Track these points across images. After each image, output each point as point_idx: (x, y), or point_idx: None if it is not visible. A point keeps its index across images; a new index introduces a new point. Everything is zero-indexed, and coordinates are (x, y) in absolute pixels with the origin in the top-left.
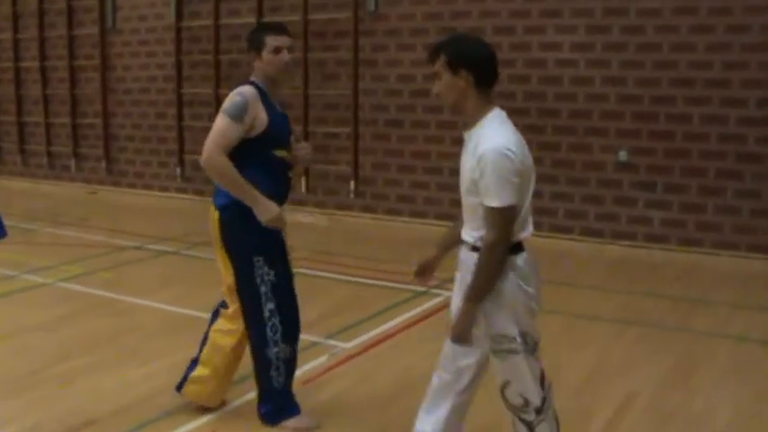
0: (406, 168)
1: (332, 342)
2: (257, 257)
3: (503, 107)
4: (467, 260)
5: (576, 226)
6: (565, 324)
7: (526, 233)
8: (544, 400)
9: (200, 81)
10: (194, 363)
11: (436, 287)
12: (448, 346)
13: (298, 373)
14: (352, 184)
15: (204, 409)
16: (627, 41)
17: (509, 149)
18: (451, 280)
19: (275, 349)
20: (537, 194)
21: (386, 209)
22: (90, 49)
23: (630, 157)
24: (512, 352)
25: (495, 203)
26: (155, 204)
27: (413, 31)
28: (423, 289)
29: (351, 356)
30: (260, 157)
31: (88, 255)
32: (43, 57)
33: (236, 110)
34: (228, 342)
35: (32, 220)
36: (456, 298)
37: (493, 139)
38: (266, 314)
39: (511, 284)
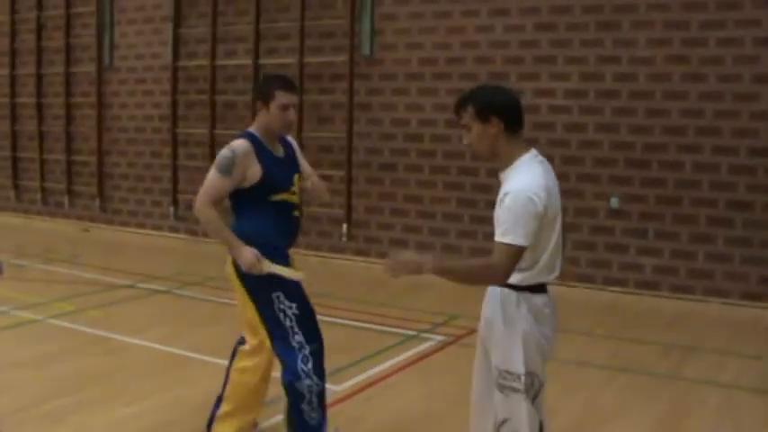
0: (399, 212)
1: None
2: (276, 293)
3: None
4: (496, 298)
5: (568, 272)
6: (554, 369)
7: (551, 276)
8: None
9: (196, 121)
10: (219, 401)
11: (427, 331)
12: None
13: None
14: (344, 227)
15: None
16: (620, 89)
17: (534, 193)
18: (444, 324)
19: (308, 381)
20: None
21: (378, 252)
22: (87, 87)
23: (623, 204)
24: (514, 390)
25: (506, 239)
26: (147, 243)
27: (408, 75)
28: (413, 333)
29: (342, 399)
30: (258, 204)
31: (79, 292)
32: (40, 93)
33: (225, 165)
34: (250, 378)
35: (24, 256)
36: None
37: (520, 180)
38: (296, 346)
39: (526, 323)
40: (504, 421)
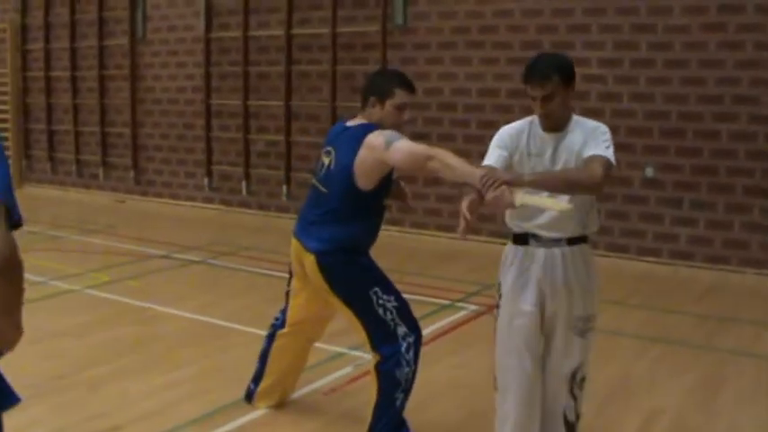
0: (432, 182)
1: (356, 353)
2: (374, 289)
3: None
4: (572, 254)
5: (601, 241)
6: None
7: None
8: None
9: (229, 92)
10: (257, 377)
11: (461, 301)
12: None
13: (321, 382)
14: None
15: (232, 415)
16: (655, 58)
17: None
18: (477, 293)
19: (407, 369)
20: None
21: (412, 222)
22: (120, 60)
23: (657, 174)
24: (593, 330)
25: (607, 153)
26: (182, 214)
27: (441, 44)
28: (447, 302)
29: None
30: (374, 206)
31: (115, 263)
32: (74, 66)
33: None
34: (290, 357)
35: (61, 228)
36: (559, 301)
37: (594, 122)
38: (401, 335)
39: (595, 268)
40: (581, 364)
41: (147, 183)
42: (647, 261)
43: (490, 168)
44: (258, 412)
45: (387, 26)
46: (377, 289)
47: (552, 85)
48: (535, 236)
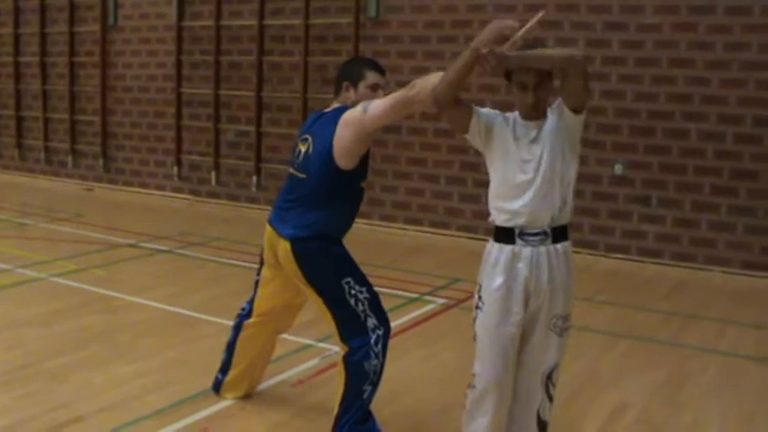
0: (402, 175)
1: (324, 345)
2: (346, 279)
3: None
4: (556, 252)
5: (570, 238)
6: None
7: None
8: None
9: (200, 81)
10: (225, 368)
11: (428, 294)
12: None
13: (289, 373)
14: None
15: (198, 406)
16: (626, 56)
17: None
18: (445, 287)
19: (375, 362)
20: None
21: (380, 215)
22: (91, 46)
23: (626, 171)
24: (569, 329)
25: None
26: (151, 203)
27: (414, 38)
28: (415, 296)
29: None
30: (350, 190)
31: (82, 251)
32: (44, 52)
33: None
34: (257, 347)
35: (28, 216)
36: (542, 299)
37: None
38: (370, 327)
39: (574, 266)
40: (556, 366)
41: (116, 171)
42: (616, 258)
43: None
44: (224, 403)
45: (359, 18)
46: (349, 279)
47: (541, 73)
48: (521, 233)
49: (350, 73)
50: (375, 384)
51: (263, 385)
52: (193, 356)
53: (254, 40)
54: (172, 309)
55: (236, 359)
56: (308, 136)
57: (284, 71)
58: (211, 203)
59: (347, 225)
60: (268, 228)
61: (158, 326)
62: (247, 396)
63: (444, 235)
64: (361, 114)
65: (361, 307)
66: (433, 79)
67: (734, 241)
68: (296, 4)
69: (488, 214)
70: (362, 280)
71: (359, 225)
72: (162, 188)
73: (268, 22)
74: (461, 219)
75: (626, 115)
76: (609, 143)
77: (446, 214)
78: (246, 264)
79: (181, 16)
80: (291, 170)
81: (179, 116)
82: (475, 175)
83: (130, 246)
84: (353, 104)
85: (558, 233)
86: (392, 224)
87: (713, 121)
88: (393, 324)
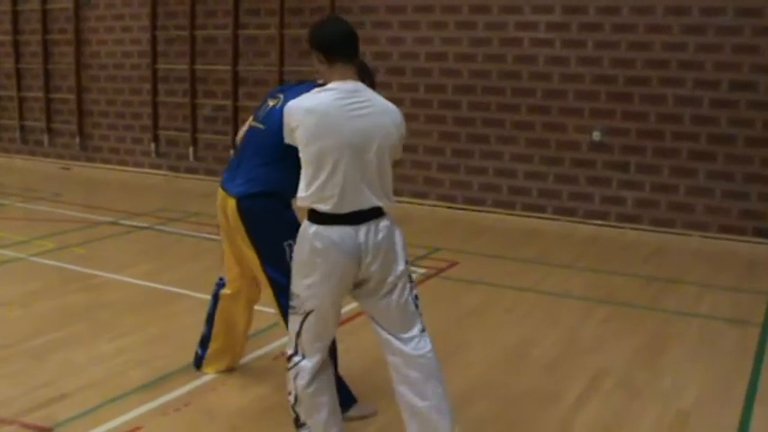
0: None
1: None
2: (288, 242)
3: (478, 86)
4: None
5: (549, 205)
6: (536, 301)
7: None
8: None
9: (176, 57)
10: (205, 341)
11: (413, 263)
12: None
13: (267, 349)
14: None
15: (180, 381)
16: (602, 22)
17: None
18: (425, 257)
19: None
20: (510, 174)
21: None
22: (64, 24)
23: (604, 137)
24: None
25: None
26: (129, 180)
27: (389, 8)
28: None
29: None
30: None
31: (61, 230)
32: (16, 30)
33: None
34: (236, 318)
35: (5, 196)
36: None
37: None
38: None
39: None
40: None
41: (93, 149)
42: (595, 224)
43: None
44: (206, 378)
45: None
46: (291, 242)
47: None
48: None
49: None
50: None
51: (245, 359)
52: (175, 332)
53: (229, 14)
54: (152, 285)
55: (215, 331)
56: (280, 95)
57: (260, 44)
58: (190, 179)
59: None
60: (219, 191)
61: (139, 302)
62: (229, 371)
63: (423, 205)
64: None
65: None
66: None
67: (712, 206)
68: None
69: (469, 184)
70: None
71: None
72: (140, 165)
73: None
74: (440, 188)
75: (603, 81)
76: (587, 110)
77: (425, 184)
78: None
79: None
80: (252, 122)
81: (155, 92)
82: (454, 144)
83: (109, 223)
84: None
85: None
86: None
87: (690, 87)
88: None
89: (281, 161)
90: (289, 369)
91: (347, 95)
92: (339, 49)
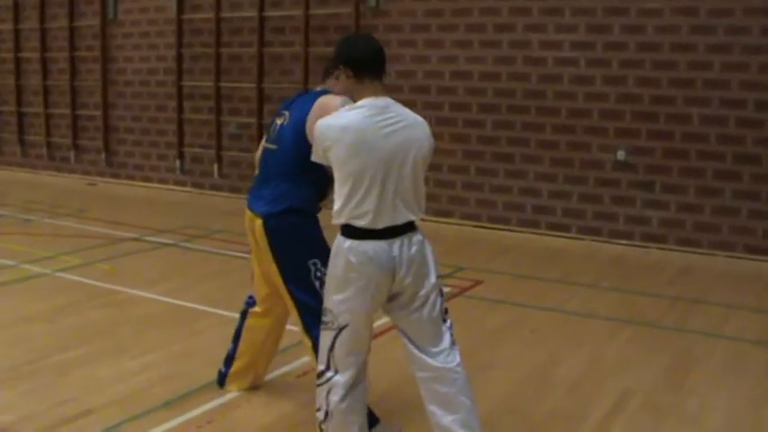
0: None
1: None
2: (313, 260)
3: (503, 104)
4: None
5: (574, 224)
6: (560, 321)
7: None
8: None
9: (201, 74)
10: (230, 359)
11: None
12: None
13: (292, 366)
14: None
15: (204, 398)
16: (627, 41)
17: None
18: (450, 276)
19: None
20: (535, 193)
21: None
22: (91, 41)
23: (629, 157)
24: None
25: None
26: (153, 197)
27: (414, 27)
28: None
29: None
30: (318, 173)
31: (86, 246)
32: (44, 48)
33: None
34: (263, 337)
35: (31, 211)
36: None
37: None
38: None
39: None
40: None
41: (118, 165)
42: (620, 244)
43: None
44: (230, 395)
45: (360, 8)
46: (316, 260)
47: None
48: None
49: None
50: None
51: (269, 376)
52: (199, 349)
53: (254, 31)
54: (176, 302)
55: (240, 348)
56: (286, 112)
57: (285, 62)
58: (214, 196)
59: (318, 197)
60: (247, 212)
61: (163, 319)
62: (252, 388)
63: (448, 223)
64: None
65: (319, 287)
66: None
67: (738, 226)
68: None
69: (490, 202)
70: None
71: None
72: (164, 181)
73: (268, 13)
74: (465, 207)
75: (628, 101)
76: (611, 129)
77: (449, 203)
78: (249, 256)
79: (181, 9)
80: (265, 143)
81: (180, 109)
82: (477, 163)
83: (134, 240)
84: (342, 92)
85: None
86: None
87: (715, 106)
88: None
89: (302, 176)
90: (319, 385)
91: (379, 112)
92: (369, 65)
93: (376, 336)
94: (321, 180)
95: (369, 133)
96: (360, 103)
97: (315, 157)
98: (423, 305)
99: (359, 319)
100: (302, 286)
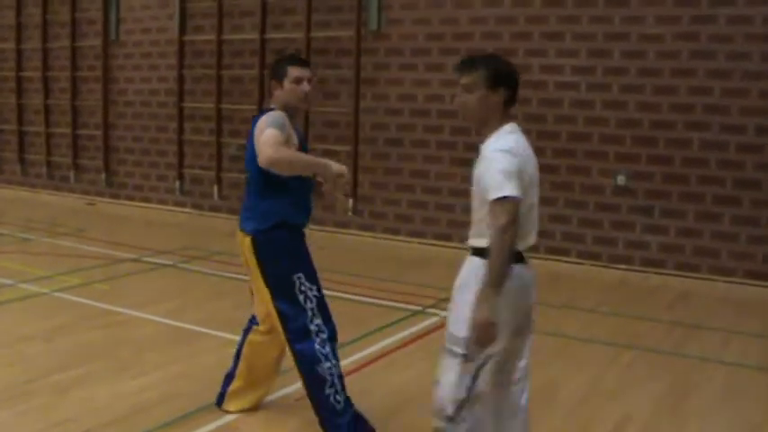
0: (404, 187)
1: None
2: (298, 275)
3: None
4: (469, 265)
5: (573, 249)
6: (560, 345)
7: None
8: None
9: (202, 95)
10: (229, 378)
11: (432, 307)
12: None
13: (292, 389)
14: (350, 202)
15: (202, 420)
16: (628, 66)
17: (510, 149)
18: (448, 299)
19: (327, 364)
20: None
21: (384, 228)
22: (92, 61)
23: (629, 182)
24: (451, 354)
25: (500, 193)
26: (153, 217)
27: (414, 50)
28: (418, 308)
29: (346, 374)
30: (283, 180)
31: (85, 266)
32: (46, 67)
33: (278, 123)
34: (265, 355)
35: (30, 230)
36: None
37: (497, 142)
38: (313, 330)
39: (476, 288)
40: (440, 384)
41: (118, 185)
42: (619, 269)
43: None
44: (228, 417)
45: (361, 31)
46: (301, 274)
47: (474, 77)
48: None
49: (275, 72)
50: (336, 386)
51: (266, 399)
52: (197, 370)
53: (255, 53)
54: (175, 323)
55: (240, 367)
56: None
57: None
58: (214, 217)
59: (300, 212)
60: (237, 232)
61: (162, 340)
62: (251, 410)
63: (447, 247)
64: (261, 131)
65: (309, 305)
66: (285, 153)
67: (737, 251)
68: (297, 18)
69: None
70: (313, 278)
71: (362, 238)
72: (164, 202)
73: (270, 35)
74: (464, 231)
75: (628, 125)
76: (611, 153)
77: (449, 226)
78: (248, 278)
79: (182, 31)
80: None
81: (181, 130)
82: None
83: (133, 260)
84: (286, 102)
85: (473, 249)
86: (395, 237)
87: (715, 131)
88: (396, 338)
89: (271, 192)
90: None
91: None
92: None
93: (367, 363)
94: (292, 193)
95: (531, 156)
96: (511, 126)
97: (514, 192)
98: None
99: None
100: (287, 300)
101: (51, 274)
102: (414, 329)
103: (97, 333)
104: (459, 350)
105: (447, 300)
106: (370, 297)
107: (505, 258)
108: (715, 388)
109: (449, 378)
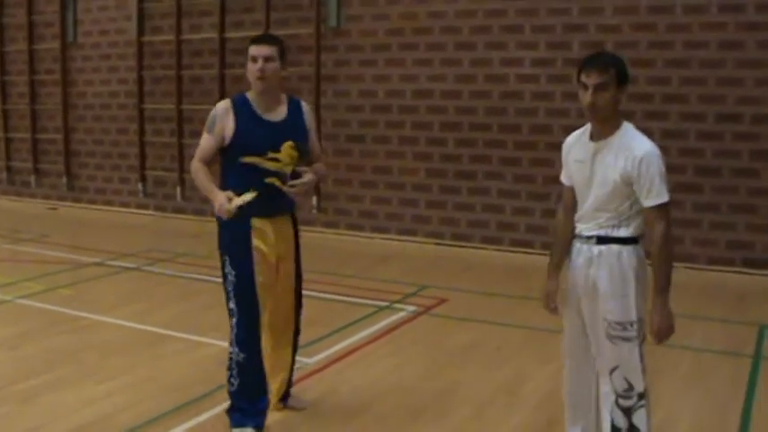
0: (368, 184)
1: (298, 358)
2: (225, 256)
3: (465, 122)
4: (607, 253)
5: (538, 240)
6: (526, 337)
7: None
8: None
9: (162, 96)
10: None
11: (398, 302)
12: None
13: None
14: (314, 199)
15: (169, 424)
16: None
17: (660, 152)
18: (414, 294)
19: (232, 349)
20: (498, 209)
21: (348, 224)
22: (50, 64)
23: None
24: (628, 340)
25: (661, 200)
26: (116, 220)
27: (375, 46)
28: (385, 304)
29: (315, 371)
30: (230, 164)
31: (48, 271)
32: (3, 71)
33: (208, 123)
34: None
35: None
36: (589, 299)
37: (643, 141)
38: (228, 311)
39: (637, 274)
40: (617, 370)
41: (80, 189)
42: None
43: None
44: (197, 419)
45: (320, 28)
46: (227, 258)
47: (608, 76)
48: (578, 234)
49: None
50: (233, 371)
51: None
52: (163, 373)
53: (215, 53)
54: (140, 326)
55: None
56: None
57: (246, 84)
58: (177, 219)
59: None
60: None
61: (127, 344)
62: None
63: (412, 242)
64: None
65: (227, 287)
66: (193, 169)
67: (699, 238)
68: (256, 16)
69: (452, 220)
70: (238, 266)
71: (326, 235)
72: (127, 205)
73: (229, 35)
74: (428, 225)
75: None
76: None
77: (414, 221)
78: (214, 279)
79: (141, 31)
80: None
81: (142, 132)
82: (440, 181)
83: (97, 264)
84: (251, 84)
85: (607, 239)
86: (359, 233)
87: (675, 120)
88: (364, 334)
89: (227, 173)
90: (642, 407)
91: None
92: None
93: (336, 360)
94: (241, 179)
95: None
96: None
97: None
98: None
99: None
100: (222, 277)
101: (14, 280)
102: (381, 325)
103: (62, 339)
104: (634, 333)
105: (412, 294)
106: (336, 294)
107: (672, 263)
108: (681, 373)
109: (633, 359)
